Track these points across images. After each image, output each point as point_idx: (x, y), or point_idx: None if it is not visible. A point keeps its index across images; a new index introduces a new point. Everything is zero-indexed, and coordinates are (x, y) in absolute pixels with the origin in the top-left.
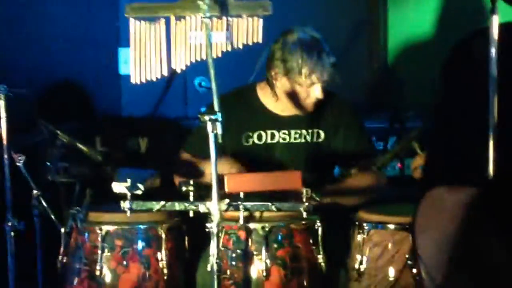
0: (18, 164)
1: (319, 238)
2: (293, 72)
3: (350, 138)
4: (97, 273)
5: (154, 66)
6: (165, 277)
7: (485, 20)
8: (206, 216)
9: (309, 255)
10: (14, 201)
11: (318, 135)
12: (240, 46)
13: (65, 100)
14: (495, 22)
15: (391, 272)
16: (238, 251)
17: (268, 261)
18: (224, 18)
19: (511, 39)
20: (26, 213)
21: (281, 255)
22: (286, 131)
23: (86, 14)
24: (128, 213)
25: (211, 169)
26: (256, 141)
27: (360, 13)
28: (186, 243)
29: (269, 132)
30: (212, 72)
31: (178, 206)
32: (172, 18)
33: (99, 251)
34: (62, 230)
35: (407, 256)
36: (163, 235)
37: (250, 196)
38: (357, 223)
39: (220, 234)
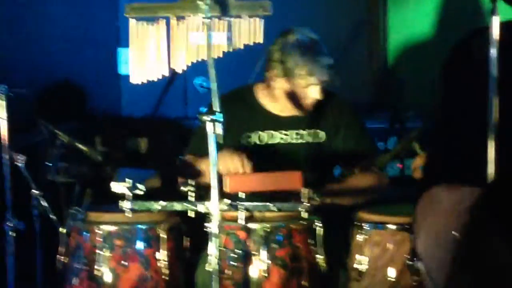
0: (18, 164)
1: (319, 238)
2: (291, 74)
3: (350, 138)
4: (97, 273)
5: (154, 66)
6: (165, 277)
7: (484, 21)
8: (206, 216)
9: (309, 255)
10: (14, 201)
11: (318, 135)
12: (241, 47)
13: (65, 100)
14: (496, 22)
15: (391, 273)
16: (237, 251)
17: (268, 261)
18: (225, 19)
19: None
20: (26, 213)
21: (281, 255)
22: (286, 132)
23: (86, 14)
24: (128, 213)
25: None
26: (256, 142)
27: (360, 13)
28: (186, 243)
29: (268, 132)
30: (212, 72)
31: (178, 206)
32: (172, 18)
33: (99, 251)
34: (62, 230)
35: (407, 256)
36: (163, 235)
37: (250, 196)
38: (357, 223)
39: (219, 234)
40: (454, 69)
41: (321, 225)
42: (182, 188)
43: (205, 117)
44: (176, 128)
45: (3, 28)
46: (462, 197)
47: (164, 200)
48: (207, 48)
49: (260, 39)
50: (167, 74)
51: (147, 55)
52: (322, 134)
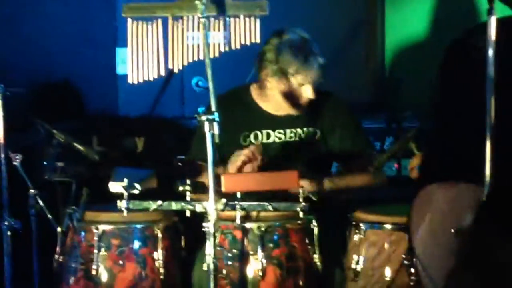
0: (15, 163)
1: (315, 238)
2: (284, 73)
3: (346, 137)
4: (94, 272)
5: (151, 66)
6: (161, 277)
7: (481, 20)
8: (202, 216)
9: (305, 255)
10: (10, 200)
11: (314, 134)
12: (238, 47)
13: (62, 100)
14: (493, 22)
15: (388, 272)
16: (234, 250)
17: (264, 261)
18: (222, 18)
19: (508, 33)
20: (23, 212)
21: (277, 255)
22: (282, 131)
23: (84, 14)
24: (125, 213)
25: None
26: (253, 141)
27: (358, 13)
28: (183, 242)
29: (264, 132)
30: (209, 72)
31: (174, 205)
32: (170, 18)
33: (96, 251)
34: (59, 229)
35: (403, 256)
36: (160, 235)
37: (246, 195)
38: (353, 223)
39: (216, 234)
40: (450, 69)
41: (317, 224)
42: (180, 187)
43: (202, 117)
44: (173, 128)
45: (1, 28)
46: (457, 194)
47: (160, 200)
48: (204, 48)
49: (257, 39)
50: (164, 74)
51: (145, 55)
52: (318, 133)
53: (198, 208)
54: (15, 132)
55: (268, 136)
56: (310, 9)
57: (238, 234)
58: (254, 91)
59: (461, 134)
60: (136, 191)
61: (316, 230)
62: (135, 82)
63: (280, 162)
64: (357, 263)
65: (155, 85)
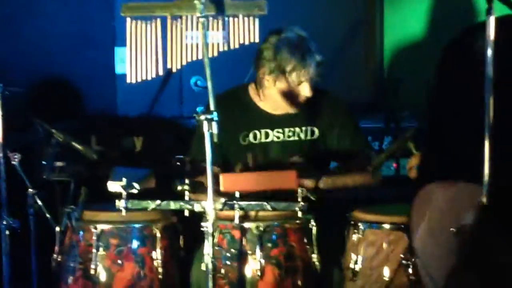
0: (13, 162)
1: (314, 237)
2: (280, 71)
3: (345, 136)
4: (92, 271)
5: (150, 65)
6: (160, 276)
7: (480, 20)
8: (201, 215)
9: (303, 255)
10: (9, 200)
11: (313, 132)
12: (237, 46)
13: (61, 99)
14: (492, 22)
15: (386, 272)
16: (232, 250)
17: (262, 261)
18: (221, 18)
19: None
20: (21, 212)
21: (276, 255)
22: (280, 130)
23: (83, 13)
24: (123, 212)
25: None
26: (252, 140)
27: (356, 13)
28: (181, 242)
29: (263, 131)
30: (208, 71)
31: (173, 205)
32: (169, 18)
33: (94, 250)
34: (57, 228)
35: (401, 256)
36: (158, 234)
37: (244, 195)
38: (352, 222)
39: (214, 233)
40: (448, 68)
41: (315, 224)
42: (178, 187)
43: (201, 117)
44: (172, 127)
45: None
46: (457, 193)
47: (159, 200)
48: (203, 48)
49: (256, 38)
50: (163, 73)
51: (144, 54)
52: (316, 132)
53: (197, 207)
54: (14, 132)
55: (267, 135)
56: (309, 9)
57: (237, 233)
58: (252, 90)
59: (459, 133)
60: (134, 191)
61: (314, 229)
62: (134, 81)
63: (279, 161)
64: (356, 262)
65: (154, 85)
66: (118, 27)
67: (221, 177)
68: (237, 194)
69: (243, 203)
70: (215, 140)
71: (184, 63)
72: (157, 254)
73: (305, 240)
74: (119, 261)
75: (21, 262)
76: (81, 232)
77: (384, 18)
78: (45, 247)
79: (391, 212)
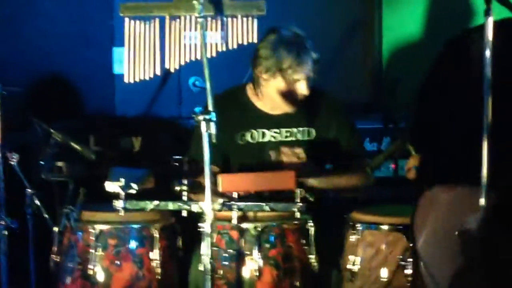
0: (11, 162)
1: (312, 238)
2: (277, 69)
3: (342, 136)
4: (90, 272)
5: (148, 65)
6: (158, 277)
7: (478, 21)
8: (199, 216)
9: (301, 255)
10: (7, 200)
11: (309, 133)
12: (235, 46)
13: (59, 99)
14: (490, 23)
15: (384, 273)
16: (230, 251)
17: (260, 261)
18: (219, 18)
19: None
20: (19, 212)
21: (274, 255)
22: (277, 130)
23: (81, 13)
24: (122, 213)
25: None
26: (249, 140)
27: (355, 13)
28: (179, 242)
29: (260, 131)
30: (206, 71)
31: (171, 205)
32: (167, 18)
33: (92, 250)
34: (55, 229)
35: (400, 257)
36: (157, 235)
37: (242, 196)
38: (350, 223)
39: (212, 234)
40: (444, 70)
41: (313, 225)
42: (177, 187)
43: (199, 117)
44: (170, 128)
45: None
46: (460, 196)
47: (157, 200)
48: (201, 48)
49: (254, 38)
50: (161, 73)
51: (142, 54)
52: (313, 132)
53: (195, 208)
54: (12, 132)
55: (263, 135)
56: (308, 9)
57: (235, 234)
58: (250, 90)
59: (457, 134)
60: (132, 191)
61: (312, 230)
62: (132, 81)
63: (276, 161)
64: (354, 263)
65: (152, 85)
66: (116, 27)
67: (219, 178)
68: (235, 195)
69: (241, 204)
70: (214, 140)
71: (182, 63)
72: (155, 255)
73: (303, 241)
74: (118, 262)
75: (19, 262)
76: (80, 233)
77: (382, 18)
78: (43, 247)
79: (390, 213)
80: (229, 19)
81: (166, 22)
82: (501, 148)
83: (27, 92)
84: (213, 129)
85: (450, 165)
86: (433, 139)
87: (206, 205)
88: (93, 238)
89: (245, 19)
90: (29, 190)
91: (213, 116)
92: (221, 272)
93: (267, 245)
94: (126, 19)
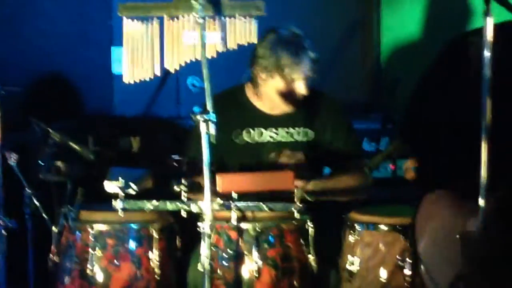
0: (10, 162)
1: (310, 238)
2: (275, 68)
3: (339, 138)
4: (89, 272)
5: (147, 65)
6: (157, 277)
7: (477, 21)
8: (198, 216)
9: (300, 255)
10: (6, 200)
11: (307, 133)
12: (235, 47)
13: (59, 99)
14: (489, 23)
15: (382, 273)
16: (229, 251)
17: (259, 261)
18: (218, 18)
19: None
20: (18, 212)
21: (272, 255)
22: (275, 130)
23: (79, 13)
24: (120, 213)
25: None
26: (246, 139)
27: (353, 13)
28: (178, 242)
29: (257, 130)
30: (205, 72)
31: (170, 205)
32: (166, 18)
33: (91, 250)
34: (54, 229)
35: (398, 257)
36: (155, 235)
37: (241, 196)
38: (348, 223)
39: (211, 234)
40: (444, 69)
41: (312, 225)
42: (176, 187)
43: (198, 117)
44: (169, 128)
45: None
46: (461, 200)
47: (156, 200)
48: (201, 48)
49: (254, 39)
50: (160, 73)
51: (141, 55)
52: (311, 133)
53: (194, 208)
54: (11, 131)
55: (261, 134)
56: (306, 9)
57: (233, 234)
58: (249, 90)
59: (456, 135)
60: (131, 191)
61: (311, 230)
62: (131, 81)
63: (275, 162)
64: (352, 264)
65: (151, 85)
66: (115, 27)
67: (218, 178)
68: (234, 195)
69: (240, 204)
70: (213, 141)
71: (181, 64)
72: (154, 255)
73: (302, 241)
74: (116, 262)
75: (18, 262)
76: (78, 233)
77: (381, 18)
78: (42, 247)
79: (388, 213)
80: (228, 19)
81: (164, 22)
82: (500, 149)
83: (26, 92)
84: (212, 129)
85: (450, 165)
86: (432, 139)
87: (205, 205)
88: (92, 238)
89: (244, 19)
90: (28, 190)
91: (211, 116)
92: (220, 272)
93: (266, 245)
94: (124, 19)
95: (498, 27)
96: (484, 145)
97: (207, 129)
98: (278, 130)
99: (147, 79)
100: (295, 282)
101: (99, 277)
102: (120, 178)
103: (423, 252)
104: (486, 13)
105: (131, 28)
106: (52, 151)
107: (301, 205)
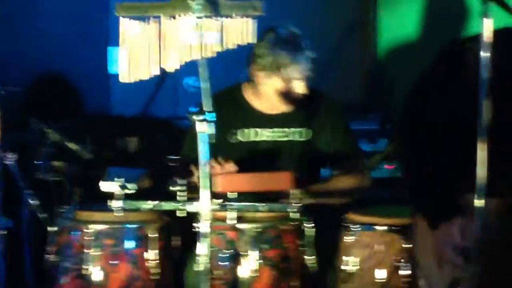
0: (8, 162)
1: (309, 239)
2: (274, 68)
3: (336, 138)
4: (86, 272)
5: (144, 66)
6: (154, 277)
7: (475, 22)
8: (196, 216)
9: (298, 256)
10: (3, 199)
11: (305, 133)
12: (233, 47)
13: (57, 99)
14: (487, 25)
15: (380, 274)
16: (227, 251)
17: (257, 262)
18: (217, 19)
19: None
20: (15, 212)
21: (271, 256)
22: (271, 129)
23: (77, 12)
24: (118, 213)
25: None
26: (241, 139)
27: (351, 13)
28: (176, 242)
29: (253, 130)
30: (204, 72)
31: (167, 206)
32: (164, 18)
33: (88, 250)
34: (52, 228)
35: (395, 258)
36: (153, 235)
37: (240, 196)
38: (346, 224)
39: (209, 234)
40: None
41: (310, 225)
42: (171, 187)
43: (194, 117)
44: (167, 128)
45: None
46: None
47: (154, 200)
48: (199, 48)
49: (252, 39)
50: (157, 73)
51: (138, 55)
52: (308, 132)
53: (191, 208)
54: (9, 131)
55: (257, 134)
56: (304, 9)
57: (232, 234)
58: (246, 89)
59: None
60: (129, 191)
61: (309, 231)
62: (127, 81)
63: (270, 161)
64: (350, 264)
65: (149, 85)
66: (112, 26)
67: (216, 178)
68: (232, 195)
69: (238, 204)
70: (212, 140)
71: (179, 63)
72: (151, 255)
73: (300, 242)
74: (114, 262)
75: (15, 262)
76: (76, 232)
77: (378, 18)
78: (39, 247)
79: (386, 214)
80: (226, 19)
81: (162, 22)
82: (500, 150)
83: (25, 91)
84: (211, 129)
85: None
86: (430, 139)
87: (202, 206)
88: (89, 238)
89: (242, 19)
90: (25, 190)
91: (209, 116)
92: (218, 272)
93: (264, 246)
94: (121, 19)
95: (497, 33)
96: (482, 145)
97: (205, 129)
98: (275, 129)
99: (145, 79)
100: (293, 283)
101: (97, 277)
102: (117, 178)
103: (421, 259)
104: (485, 14)
105: (128, 27)
106: (50, 151)
107: (299, 206)
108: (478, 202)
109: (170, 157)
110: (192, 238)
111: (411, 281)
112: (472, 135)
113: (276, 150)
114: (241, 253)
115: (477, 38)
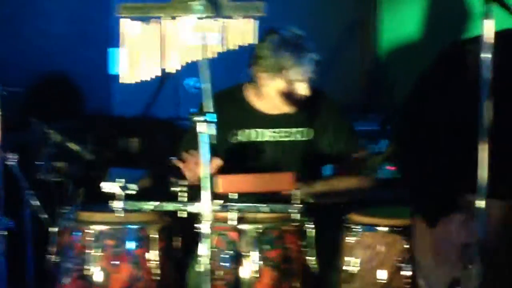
0: (10, 163)
1: (310, 239)
2: (276, 69)
3: (339, 138)
4: (88, 272)
5: (145, 67)
6: (156, 278)
7: (476, 22)
8: (197, 217)
9: (300, 257)
10: (5, 200)
11: (307, 134)
12: (234, 48)
13: (59, 99)
14: (488, 25)
15: (382, 275)
16: (229, 252)
17: (259, 263)
18: (218, 20)
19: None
20: (17, 212)
21: (272, 257)
22: (274, 130)
23: (78, 13)
24: (120, 213)
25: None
26: (243, 139)
27: (351, 13)
28: (178, 243)
29: (255, 130)
30: (205, 73)
31: (169, 206)
32: (165, 18)
33: (90, 251)
34: (53, 229)
35: (397, 259)
36: (155, 235)
37: (241, 196)
38: (348, 225)
39: (211, 235)
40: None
41: (312, 226)
42: (173, 188)
43: (196, 118)
44: (168, 128)
45: None
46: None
47: (155, 200)
48: (200, 49)
49: (254, 40)
50: (159, 74)
51: (139, 55)
52: (310, 132)
53: (193, 209)
54: (10, 132)
55: (259, 134)
56: (304, 10)
57: (233, 235)
58: (248, 90)
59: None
60: (130, 192)
61: (311, 232)
62: (128, 82)
63: (272, 161)
64: (352, 265)
65: (150, 86)
66: (113, 27)
67: (218, 179)
68: (233, 196)
69: (239, 205)
70: (213, 141)
71: (181, 64)
72: (153, 255)
73: (302, 242)
74: (115, 262)
75: (17, 263)
76: (77, 233)
77: (379, 19)
78: (41, 247)
79: (387, 215)
80: (228, 20)
81: (163, 22)
82: (500, 152)
83: (26, 92)
84: (212, 130)
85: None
86: (431, 139)
87: (204, 206)
88: (91, 239)
89: (244, 20)
90: (27, 190)
91: (209, 116)
92: (220, 273)
93: (266, 247)
94: (123, 20)
95: (497, 34)
96: (483, 146)
97: (206, 130)
98: (277, 130)
99: (146, 80)
100: (295, 284)
101: (98, 277)
102: (119, 178)
103: (420, 259)
104: (486, 15)
105: (128, 28)
106: (52, 151)
107: (300, 207)
108: (479, 203)
109: (171, 158)
110: (194, 238)
111: (413, 282)
112: (472, 136)
113: (277, 150)
114: (243, 253)
115: (477, 40)
